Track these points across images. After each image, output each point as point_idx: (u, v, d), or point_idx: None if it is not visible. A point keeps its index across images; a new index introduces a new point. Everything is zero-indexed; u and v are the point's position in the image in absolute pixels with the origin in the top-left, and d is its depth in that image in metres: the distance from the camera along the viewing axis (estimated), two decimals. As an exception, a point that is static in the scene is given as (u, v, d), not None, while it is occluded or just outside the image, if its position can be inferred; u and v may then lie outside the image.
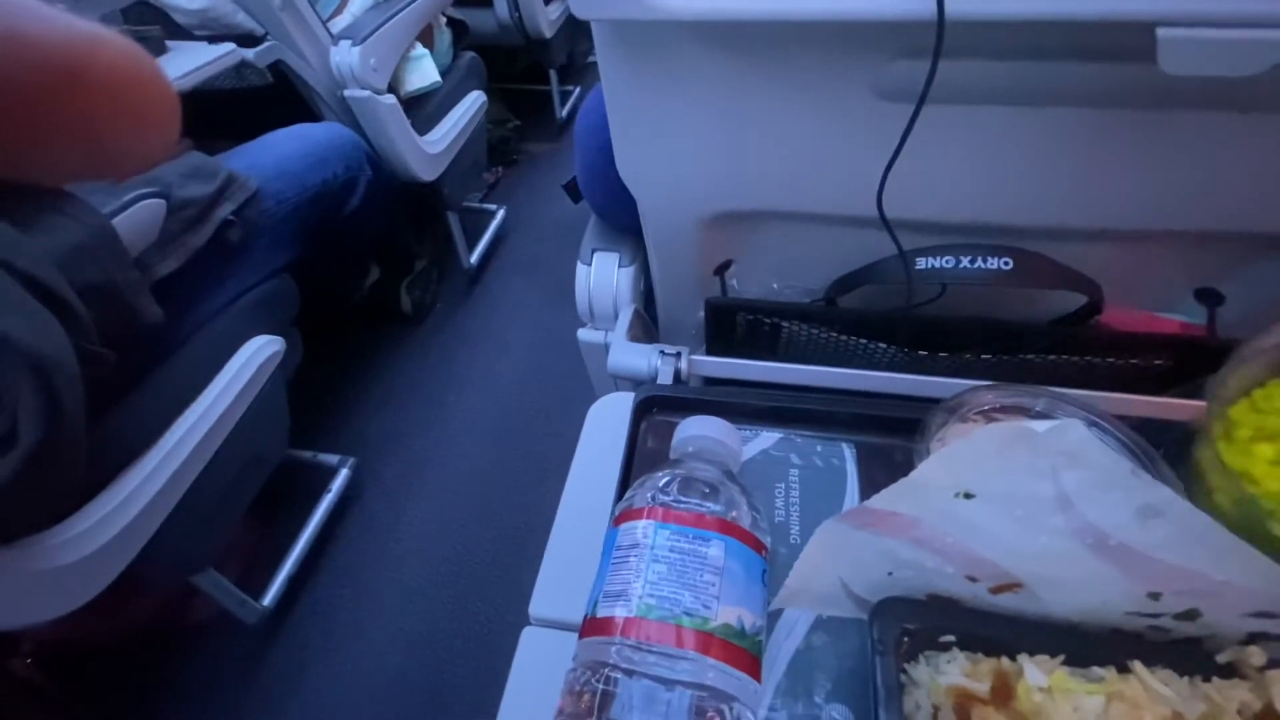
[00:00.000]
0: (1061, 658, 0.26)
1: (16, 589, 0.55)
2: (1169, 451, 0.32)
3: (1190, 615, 0.26)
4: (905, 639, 0.27)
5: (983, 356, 0.54)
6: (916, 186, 0.45)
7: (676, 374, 0.48)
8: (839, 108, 0.40)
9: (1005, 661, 0.27)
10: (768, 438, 0.40)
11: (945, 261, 0.46)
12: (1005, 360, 0.54)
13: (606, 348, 0.63)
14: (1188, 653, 0.26)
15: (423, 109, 1.18)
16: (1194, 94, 0.36)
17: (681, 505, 0.29)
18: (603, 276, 0.66)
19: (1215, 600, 0.25)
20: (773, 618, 0.32)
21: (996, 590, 0.27)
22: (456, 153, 1.26)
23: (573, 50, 1.94)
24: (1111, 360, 0.53)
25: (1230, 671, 0.26)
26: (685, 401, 0.41)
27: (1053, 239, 0.48)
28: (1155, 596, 0.25)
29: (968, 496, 0.24)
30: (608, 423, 0.42)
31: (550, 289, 1.47)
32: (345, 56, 0.98)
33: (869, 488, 0.37)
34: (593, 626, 0.27)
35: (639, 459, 0.40)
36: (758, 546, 0.29)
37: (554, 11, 1.71)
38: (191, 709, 0.89)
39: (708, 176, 0.48)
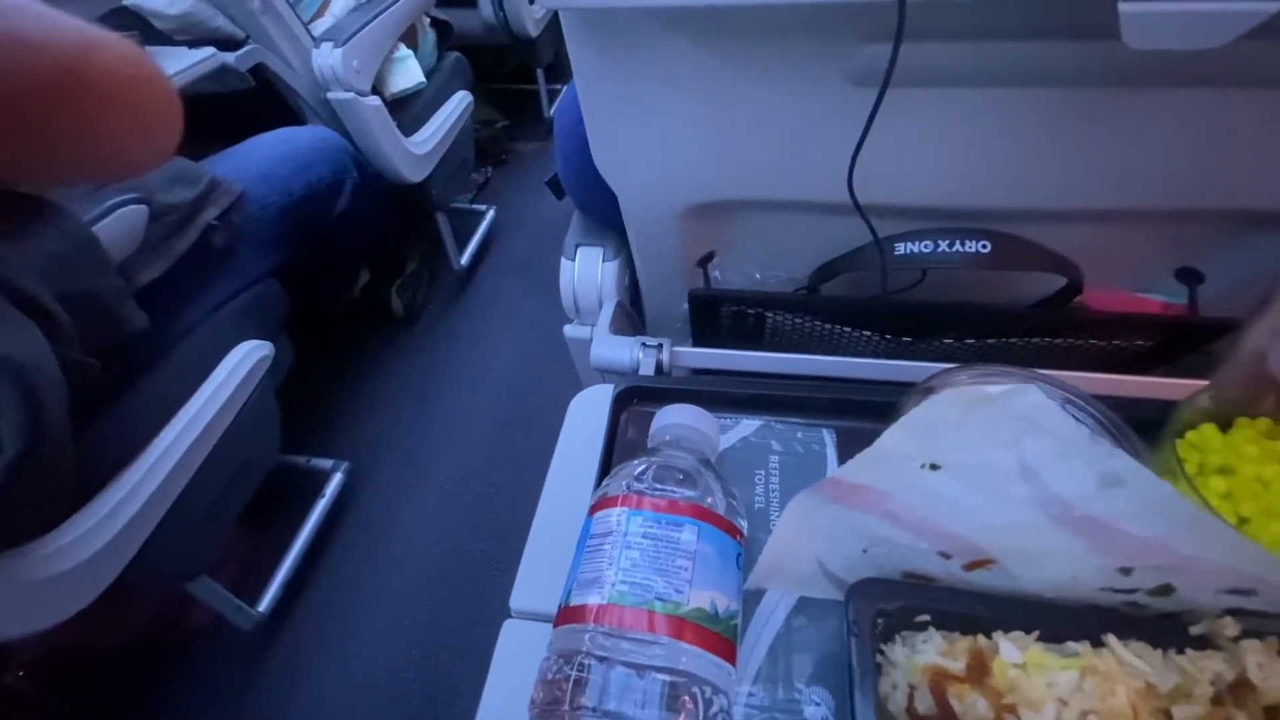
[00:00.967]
0: (1036, 634, 0.26)
1: (7, 599, 0.55)
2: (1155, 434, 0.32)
3: (1164, 591, 0.26)
4: (880, 620, 0.27)
5: (966, 341, 0.54)
6: (893, 171, 0.45)
7: (658, 365, 0.48)
8: (812, 94, 0.40)
9: (981, 639, 0.27)
10: (748, 425, 0.40)
11: (924, 246, 0.46)
12: (989, 344, 0.54)
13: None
14: (1163, 627, 0.26)
15: (408, 110, 1.18)
16: (1161, 71, 0.36)
17: (656, 492, 0.29)
18: (587, 271, 0.66)
19: (1187, 576, 0.25)
20: (753, 602, 0.32)
21: (970, 567, 0.27)
22: (444, 153, 1.26)
23: (559, 49, 1.93)
24: (1095, 342, 0.54)
25: (1205, 643, 0.26)
26: (664, 392, 0.41)
27: (1031, 221, 0.48)
28: (1127, 571, 0.25)
29: (934, 468, 0.24)
30: (588, 415, 0.42)
31: (542, 288, 1.47)
32: (327, 59, 0.98)
33: (849, 473, 0.37)
34: (566, 615, 0.27)
35: (620, 450, 0.40)
36: (732, 531, 0.29)
37: (539, 10, 1.71)
38: (188, 718, 0.89)
39: (684, 167, 0.48)
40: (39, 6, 0.27)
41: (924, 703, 0.25)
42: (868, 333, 0.55)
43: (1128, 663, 0.24)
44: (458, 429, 1.21)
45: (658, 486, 0.29)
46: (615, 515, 0.28)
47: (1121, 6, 0.29)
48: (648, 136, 0.46)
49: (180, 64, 0.85)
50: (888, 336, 0.55)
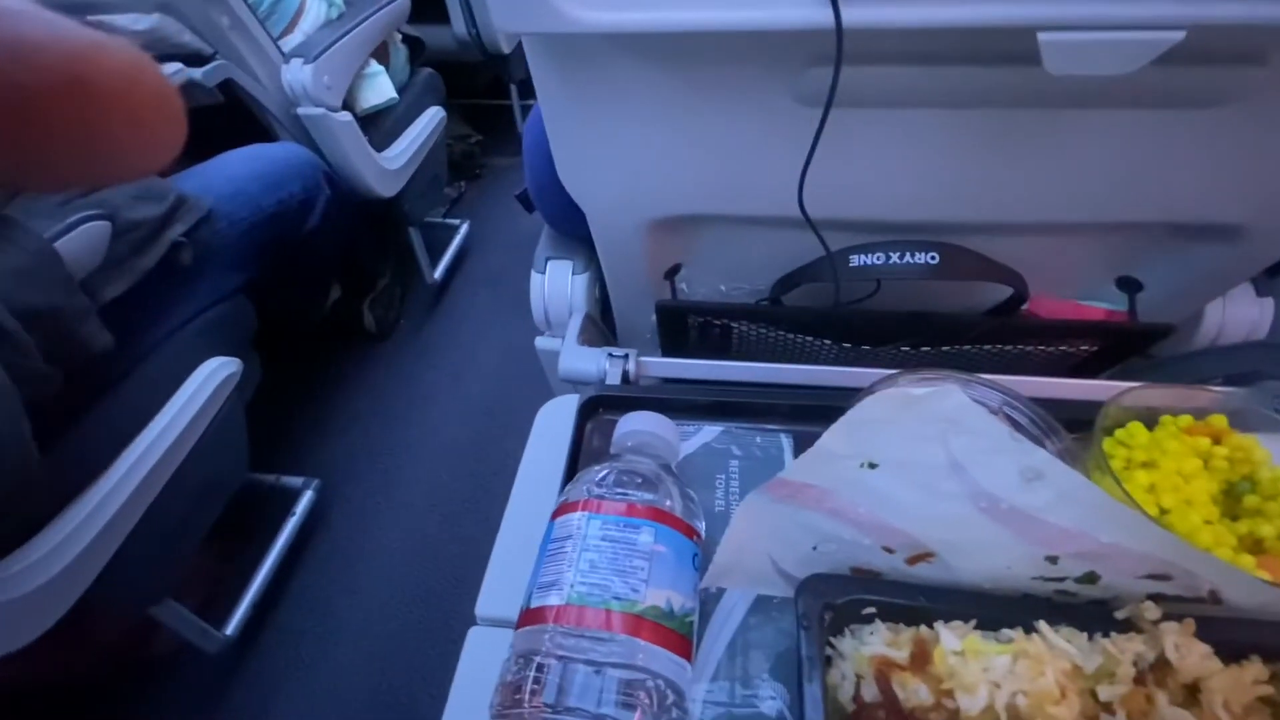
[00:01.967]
0: (974, 623, 0.28)
1: (-40, 625, 0.54)
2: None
3: (1090, 579, 0.28)
4: (829, 614, 0.28)
5: (921, 349, 0.56)
6: (845, 187, 0.47)
7: (625, 375, 0.49)
8: (763, 114, 0.42)
9: (924, 630, 0.28)
10: (709, 431, 0.41)
11: (876, 258, 0.48)
12: (942, 351, 0.57)
13: (562, 354, 0.64)
14: (1091, 613, 0.28)
15: (380, 126, 1.18)
16: (1087, 93, 0.38)
17: (615, 496, 0.30)
18: (557, 284, 0.68)
19: (1108, 563, 0.27)
20: (713, 600, 0.33)
21: (912, 561, 0.29)
22: (416, 168, 1.27)
23: (532, 66, 1.95)
24: (1042, 348, 0.56)
25: (1129, 627, 0.28)
26: (628, 400, 0.42)
27: (980, 233, 0.50)
28: (1053, 560, 0.27)
29: (872, 466, 0.25)
30: (555, 425, 0.43)
31: (515, 302, 1.47)
32: (297, 75, 0.98)
33: (806, 476, 0.38)
34: (527, 617, 0.27)
35: (585, 459, 0.41)
36: (689, 533, 0.30)
37: (511, 29, 1.72)
38: (153, 745, 0.86)
39: (646, 184, 0.50)
40: (41, 10, 0.27)
41: (869, 691, 0.26)
42: (827, 341, 0.57)
43: (1056, 646, 0.26)
44: (430, 445, 1.21)
45: (618, 490, 0.30)
46: (576, 519, 0.29)
47: (1041, 36, 0.31)
48: (610, 154, 0.48)
49: (146, 80, 0.84)
50: (846, 345, 0.57)
